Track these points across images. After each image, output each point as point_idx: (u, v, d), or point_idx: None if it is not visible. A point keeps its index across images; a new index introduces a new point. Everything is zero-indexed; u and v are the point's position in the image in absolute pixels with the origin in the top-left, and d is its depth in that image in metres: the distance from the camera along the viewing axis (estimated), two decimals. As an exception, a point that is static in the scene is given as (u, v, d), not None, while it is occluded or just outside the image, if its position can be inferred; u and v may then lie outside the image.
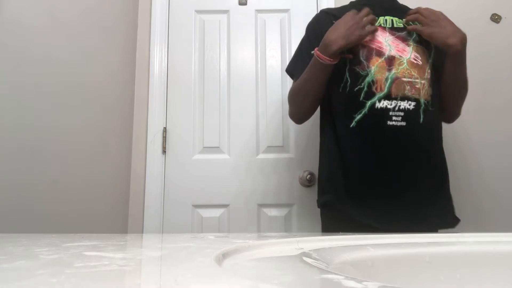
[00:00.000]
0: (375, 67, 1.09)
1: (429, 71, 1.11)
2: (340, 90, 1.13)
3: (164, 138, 1.70)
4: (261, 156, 1.69)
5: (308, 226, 1.62)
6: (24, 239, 0.44)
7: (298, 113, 1.25)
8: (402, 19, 1.16)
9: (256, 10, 1.81)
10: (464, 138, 1.67)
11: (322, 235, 0.51)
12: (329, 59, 1.07)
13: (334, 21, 1.14)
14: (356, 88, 1.09)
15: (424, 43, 1.13)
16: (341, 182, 1.12)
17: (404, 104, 1.06)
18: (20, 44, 0.99)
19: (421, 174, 1.08)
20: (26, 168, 1.00)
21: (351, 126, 1.09)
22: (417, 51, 1.12)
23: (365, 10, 1.11)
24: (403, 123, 1.05)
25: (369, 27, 1.10)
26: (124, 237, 0.50)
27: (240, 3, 1.81)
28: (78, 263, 0.28)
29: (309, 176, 1.64)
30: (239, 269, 0.30)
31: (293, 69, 1.26)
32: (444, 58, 1.12)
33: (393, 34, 1.13)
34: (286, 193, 1.66)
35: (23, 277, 0.23)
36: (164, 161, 1.69)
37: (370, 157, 1.08)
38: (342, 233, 0.55)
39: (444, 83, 1.14)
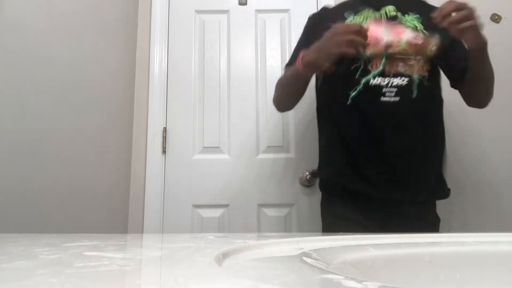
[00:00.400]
0: (372, 50, 1.11)
1: (433, 49, 1.12)
2: (339, 71, 1.14)
3: (164, 138, 1.70)
4: (261, 156, 1.69)
5: (308, 226, 1.62)
6: (24, 239, 0.44)
7: (283, 110, 1.36)
8: (397, 8, 1.16)
9: (256, 10, 1.81)
10: (464, 138, 1.67)
11: (322, 235, 0.51)
12: (302, 68, 1.09)
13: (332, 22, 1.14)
14: (353, 67, 1.12)
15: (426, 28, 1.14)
16: (341, 158, 1.15)
17: (397, 80, 1.09)
18: (20, 44, 0.99)
19: (415, 146, 1.12)
20: (26, 168, 1.00)
21: (347, 103, 1.12)
22: (417, 31, 1.13)
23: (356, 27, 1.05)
24: (396, 99, 1.09)
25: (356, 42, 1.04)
26: (124, 237, 0.50)
27: (240, 3, 1.81)
28: (78, 263, 0.28)
29: (309, 176, 1.64)
30: (239, 269, 0.30)
31: (288, 65, 1.28)
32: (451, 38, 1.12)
33: (389, 23, 1.14)
34: (286, 193, 1.66)
35: (23, 277, 0.23)
36: (164, 161, 1.69)
37: (366, 132, 1.12)
38: (342, 233, 0.55)
39: (471, 77, 1.16)
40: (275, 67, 1.76)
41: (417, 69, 1.10)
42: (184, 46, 1.78)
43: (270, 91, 1.74)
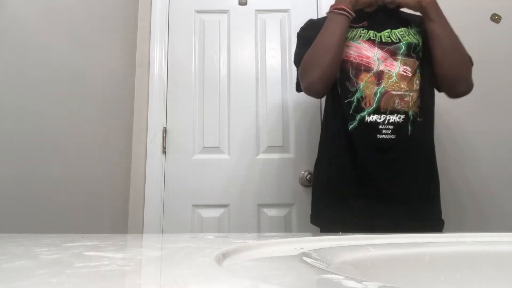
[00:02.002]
0: (364, 83, 1.10)
1: (417, 82, 1.11)
2: (333, 101, 1.17)
3: (164, 138, 1.70)
4: (261, 156, 1.69)
5: (308, 226, 1.62)
6: (24, 239, 0.44)
7: (319, 75, 1.11)
8: (396, 29, 1.16)
9: (256, 10, 1.81)
10: (464, 138, 1.67)
11: (322, 235, 0.51)
12: (346, 6, 1.08)
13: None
14: (346, 101, 1.11)
15: (413, 56, 1.13)
16: (333, 190, 1.14)
17: (393, 118, 1.07)
18: (20, 44, 0.99)
19: (411, 186, 1.10)
20: (26, 168, 1.00)
21: (346, 134, 1.12)
22: (405, 64, 1.11)
23: None
24: (393, 136, 1.07)
25: None
26: (124, 237, 0.50)
27: (240, 3, 1.81)
28: (78, 263, 0.28)
29: (309, 176, 1.64)
30: (239, 269, 0.30)
31: (298, 56, 1.25)
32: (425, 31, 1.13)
33: (381, 49, 1.12)
34: (286, 193, 1.66)
35: (23, 277, 0.23)
36: (164, 161, 1.69)
37: (360, 168, 1.10)
38: (342, 233, 0.55)
39: (432, 49, 1.11)
40: (275, 67, 1.76)
41: (411, 105, 1.09)
42: (184, 46, 1.78)
43: (270, 91, 1.75)
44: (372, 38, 1.14)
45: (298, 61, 1.24)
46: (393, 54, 1.12)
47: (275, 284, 0.24)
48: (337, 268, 0.35)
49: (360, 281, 0.22)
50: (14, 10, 0.98)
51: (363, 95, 1.09)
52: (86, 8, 1.33)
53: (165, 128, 1.71)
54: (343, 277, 0.24)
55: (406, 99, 1.08)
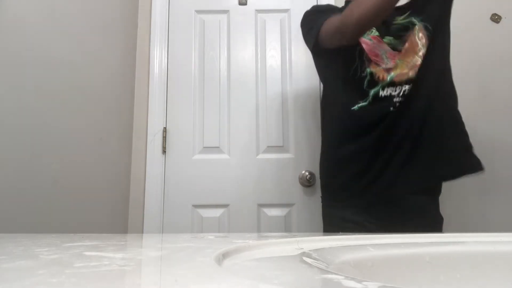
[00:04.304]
0: (374, 70, 1.12)
1: (422, 49, 1.12)
2: (350, 74, 1.15)
3: (164, 138, 1.70)
4: (261, 156, 1.69)
5: (308, 226, 1.62)
6: (24, 239, 0.44)
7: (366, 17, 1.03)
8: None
9: (256, 10, 1.81)
10: (464, 138, 1.67)
11: (322, 235, 0.51)
12: None
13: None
14: (357, 77, 1.12)
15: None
16: (344, 169, 1.15)
17: (406, 86, 1.09)
18: (20, 44, 0.99)
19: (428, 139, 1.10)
20: (26, 168, 1.00)
21: (353, 113, 1.12)
22: (406, 55, 1.12)
23: None
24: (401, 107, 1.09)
25: None
26: (124, 237, 0.50)
27: (240, 3, 1.81)
28: (78, 263, 0.28)
29: (309, 176, 1.64)
30: (239, 269, 0.30)
31: (317, 21, 1.18)
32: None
33: (388, 45, 1.14)
34: (286, 193, 1.66)
35: (23, 277, 0.23)
36: (164, 161, 1.69)
37: (374, 142, 1.11)
38: (342, 233, 0.55)
39: None
40: (275, 67, 1.76)
41: (415, 71, 1.10)
42: (184, 46, 1.78)
43: (270, 91, 1.75)
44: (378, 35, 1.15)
45: (313, 34, 1.19)
46: (395, 49, 1.13)
47: (275, 284, 0.24)
48: (337, 268, 0.35)
49: (360, 281, 0.22)
50: (14, 10, 0.98)
51: (374, 72, 1.11)
52: (86, 8, 1.33)
53: (165, 128, 1.71)
54: (343, 277, 0.24)
55: (418, 63, 1.09)
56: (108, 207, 1.47)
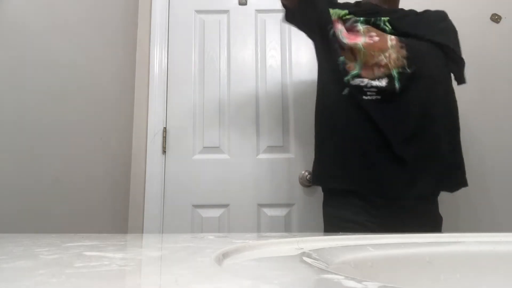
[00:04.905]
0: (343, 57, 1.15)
1: (392, 37, 1.14)
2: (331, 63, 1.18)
3: (164, 138, 1.70)
4: (261, 156, 1.69)
5: (308, 226, 1.62)
6: (24, 239, 0.44)
7: None
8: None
9: (256, 10, 1.81)
10: (464, 138, 1.67)
11: (322, 235, 0.51)
12: None
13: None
14: (336, 64, 1.15)
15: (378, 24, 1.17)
16: (332, 158, 1.16)
17: (375, 83, 1.11)
18: (20, 44, 0.99)
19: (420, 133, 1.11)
20: (26, 168, 1.00)
21: (340, 100, 1.14)
22: (369, 30, 1.15)
23: None
24: (379, 97, 1.10)
25: None
26: (124, 237, 0.50)
27: (240, 3, 1.81)
28: (78, 263, 0.28)
29: (309, 176, 1.64)
30: (239, 269, 0.30)
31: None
32: None
33: (343, 25, 1.18)
34: (286, 193, 1.66)
35: (23, 277, 0.23)
36: (164, 161, 1.69)
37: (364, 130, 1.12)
38: (342, 233, 0.55)
39: None
40: (275, 67, 1.76)
41: (392, 64, 1.11)
42: (184, 46, 1.78)
43: (270, 91, 1.75)
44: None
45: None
46: (353, 27, 1.17)
47: (275, 284, 0.24)
48: (337, 268, 0.35)
49: (360, 281, 0.22)
50: (15, 10, 0.98)
51: (345, 61, 1.14)
52: (86, 8, 1.33)
53: (165, 128, 1.71)
54: (343, 277, 0.24)
55: (383, 62, 1.11)
56: (108, 207, 1.47)
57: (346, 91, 1.12)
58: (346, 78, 1.12)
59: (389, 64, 1.11)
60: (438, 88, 1.14)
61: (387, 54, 1.11)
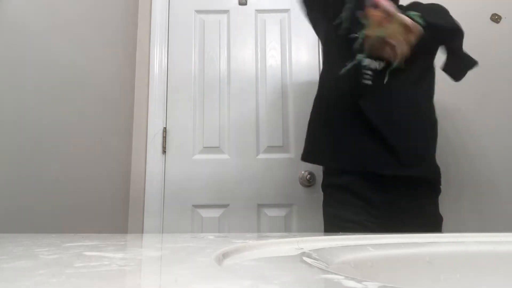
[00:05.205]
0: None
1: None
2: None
3: (164, 138, 1.70)
4: (261, 156, 1.69)
5: (308, 226, 1.62)
6: (24, 239, 0.44)
7: None
8: None
9: (256, 10, 1.81)
10: (464, 138, 1.67)
11: (322, 235, 0.51)
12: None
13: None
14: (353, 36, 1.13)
15: None
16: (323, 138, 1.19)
17: (374, 64, 1.11)
18: (20, 44, 0.99)
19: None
20: (26, 168, 1.00)
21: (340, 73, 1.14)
22: None
23: None
24: (370, 82, 1.11)
25: None
26: (124, 237, 0.50)
27: (240, 3, 1.81)
28: (78, 263, 0.28)
29: (309, 176, 1.64)
30: (239, 269, 0.30)
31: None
32: None
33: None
34: (286, 193, 1.66)
35: (23, 277, 0.23)
36: (164, 161, 1.69)
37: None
38: (342, 233, 0.55)
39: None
40: (275, 67, 1.76)
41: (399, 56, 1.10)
42: (184, 46, 1.78)
43: (270, 91, 1.75)
44: None
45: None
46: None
47: (275, 284, 0.24)
48: (337, 268, 0.35)
49: (360, 281, 0.22)
50: (15, 10, 0.98)
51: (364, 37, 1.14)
52: (86, 8, 1.33)
53: (165, 128, 1.71)
54: (343, 277, 0.24)
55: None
56: (108, 207, 1.47)
57: (349, 65, 1.11)
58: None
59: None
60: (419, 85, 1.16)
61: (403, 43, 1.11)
